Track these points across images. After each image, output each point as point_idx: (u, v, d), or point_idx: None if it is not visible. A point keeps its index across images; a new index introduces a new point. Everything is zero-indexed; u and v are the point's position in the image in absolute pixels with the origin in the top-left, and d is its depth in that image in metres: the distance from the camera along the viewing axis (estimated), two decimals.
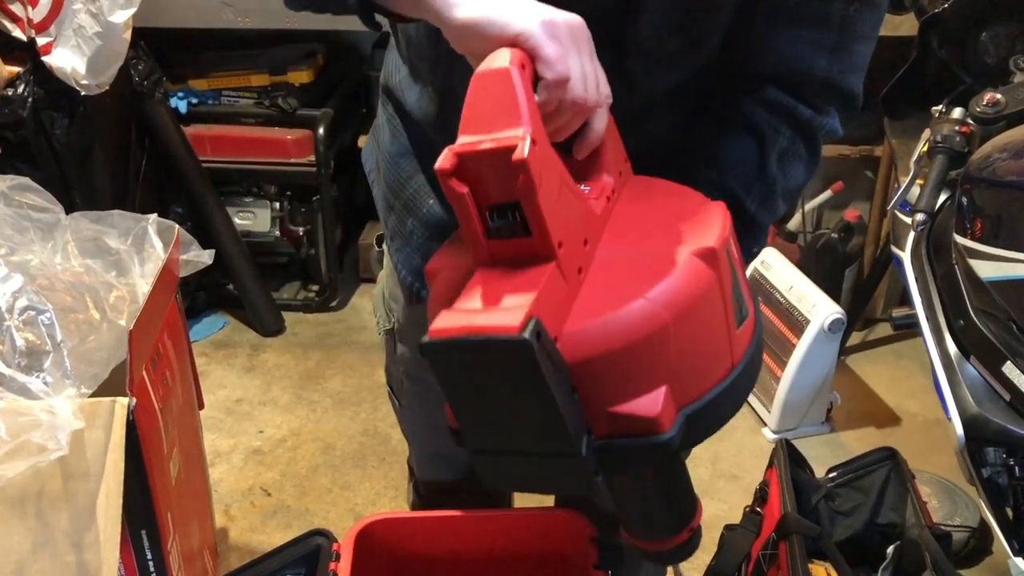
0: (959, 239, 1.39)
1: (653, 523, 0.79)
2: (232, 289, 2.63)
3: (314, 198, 2.62)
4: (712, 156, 0.85)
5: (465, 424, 0.66)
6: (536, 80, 0.68)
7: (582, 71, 0.69)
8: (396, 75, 1.00)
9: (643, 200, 0.77)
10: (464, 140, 0.64)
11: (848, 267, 2.63)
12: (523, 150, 0.61)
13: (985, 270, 1.33)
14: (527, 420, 0.62)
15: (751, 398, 2.35)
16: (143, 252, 1.45)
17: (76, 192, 2.20)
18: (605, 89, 0.72)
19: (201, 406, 1.74)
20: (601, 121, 0.74)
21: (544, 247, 0.64)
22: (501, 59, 0.66)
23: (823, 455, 2.04)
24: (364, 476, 2.10)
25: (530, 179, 0.61)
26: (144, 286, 1.39)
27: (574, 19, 0.70)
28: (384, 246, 1.09)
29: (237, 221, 2.62)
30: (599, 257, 0.69)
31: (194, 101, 2.57)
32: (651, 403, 0.63)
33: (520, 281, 0.62)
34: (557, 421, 0.60)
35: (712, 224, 0.70)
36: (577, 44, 0.70)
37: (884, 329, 2.63)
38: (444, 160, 0.63)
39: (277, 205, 2.67)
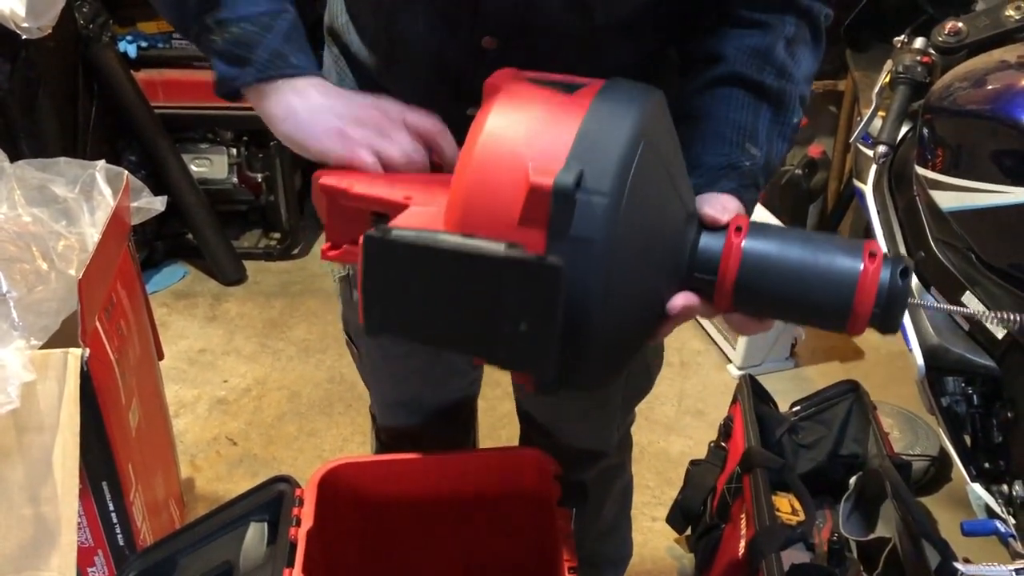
0: (920, 170, 1.39)
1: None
2: (191, 238, 2.59)
3: (272, 143, 2.56)
4: (715, 53, 0.87)
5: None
6: None
7: (390, 150, 0.78)
8: (340, 17, 0.99)
9: None
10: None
11: (812, 203, 2.63)
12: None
13: (945, 200, 1.33)
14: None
15: (717, 336, 2.36)
16: (92, 200, 1.41)
17: (23, 141, 2.13)
18: (418, 157, 0.80)
19: (161, 356, 1.71)
20: (447, 148, 0.81)
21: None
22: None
23: (788, 390, 2.05)
24: (331, 423, 2.09)
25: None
26: (94, 234, 1.35)
27: (365, 112, 0.80)
28: None
29: (193, 168, 2.56)
30: None
31: (144, 45, 2.49)
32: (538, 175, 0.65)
33: None
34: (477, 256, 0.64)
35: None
36: (379, 131, 0.79)
37: None
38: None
39: (234, 151, 2.62)
